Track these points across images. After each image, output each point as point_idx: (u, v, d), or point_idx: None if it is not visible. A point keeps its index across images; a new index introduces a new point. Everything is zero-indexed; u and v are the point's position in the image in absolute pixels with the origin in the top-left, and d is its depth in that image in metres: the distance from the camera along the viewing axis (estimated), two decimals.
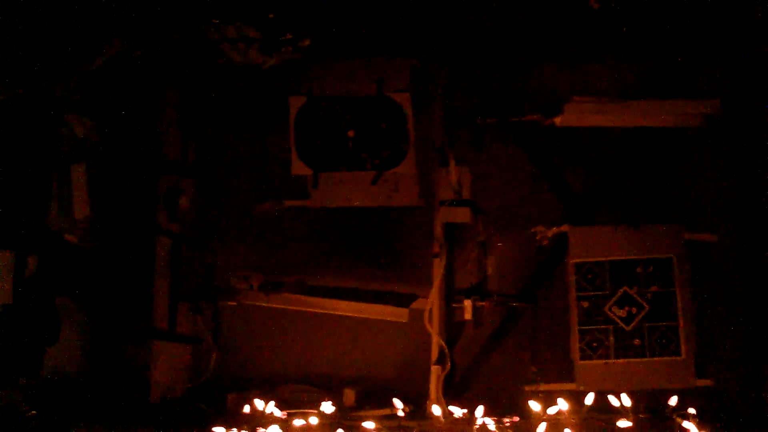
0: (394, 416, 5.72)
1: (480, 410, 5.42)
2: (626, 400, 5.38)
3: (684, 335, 5.96)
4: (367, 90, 6.49)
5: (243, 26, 5.54)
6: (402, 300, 6.55)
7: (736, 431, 5.47)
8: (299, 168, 6.59)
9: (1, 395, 5.47)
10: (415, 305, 6.48)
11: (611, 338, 6.03)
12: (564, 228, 6.22)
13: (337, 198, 6.59)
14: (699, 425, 5.23)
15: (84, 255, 6.03)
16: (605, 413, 5.39)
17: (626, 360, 6.00)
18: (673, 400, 5.38)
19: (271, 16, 5.49)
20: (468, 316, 6.10)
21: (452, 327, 6.29)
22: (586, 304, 6.10)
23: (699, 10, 6.21)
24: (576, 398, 5.57)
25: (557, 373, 6.11)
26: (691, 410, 5.31)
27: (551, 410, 5.39)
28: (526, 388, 6.03)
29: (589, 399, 5.43)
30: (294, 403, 6.30)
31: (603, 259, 6.14)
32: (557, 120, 6.19)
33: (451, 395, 6.00)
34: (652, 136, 6.45)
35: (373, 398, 6.43)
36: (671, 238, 6.13)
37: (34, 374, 5.65)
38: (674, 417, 5.31)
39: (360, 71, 6.51)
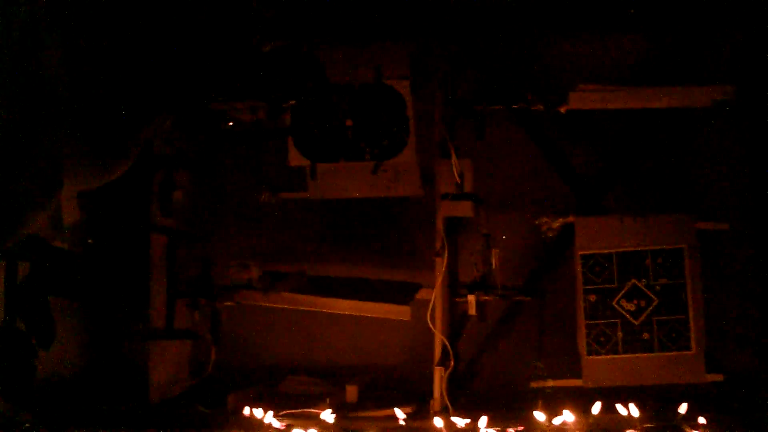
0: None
1: (483, 421, 5.27)
2: (634, 410, 5.22)
3: (694, 329, 5.79)
4: (365, 77, 6.28)
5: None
6: (405, 292, 6.41)
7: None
8: (297, 159, 6.41)
9: None
10: (419, 296, 6.34)
11: (619, 333, 5.86)
12: (570, 219, 6.03)
13: (336, 189, 6.42)
14: None
15: (76, 259, 5.88)
16: (612, 423, 5.23)
17: (635, 355, 5.83)
18: (683, 408, 5.22)
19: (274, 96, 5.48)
20: (472, 311, 5.94)
21: (456, 321, 6.15)
22: (593, 298, 5.92)
23: None
24: (583, 401, 5.42)
25: (564, 369, 5.96)
26: (702, 419, 5.14)
27: (556, 420, 5.24)
28: (532, 385, 5.89)
29: (596, 408, 5.28)
30: (297, 397, 6.22)
31: (611, 250, 5.95)
32: (562, 109, 5.96)
33: (455, 392, 5.88)
34: (662, 118, 6.22)
35: (378, 391, 6.34)
36: (682, 228, 5.92)
37: (26, 383, 5.54)
38: (684, 427, 5.15)
39: (358, 58, 6.30)
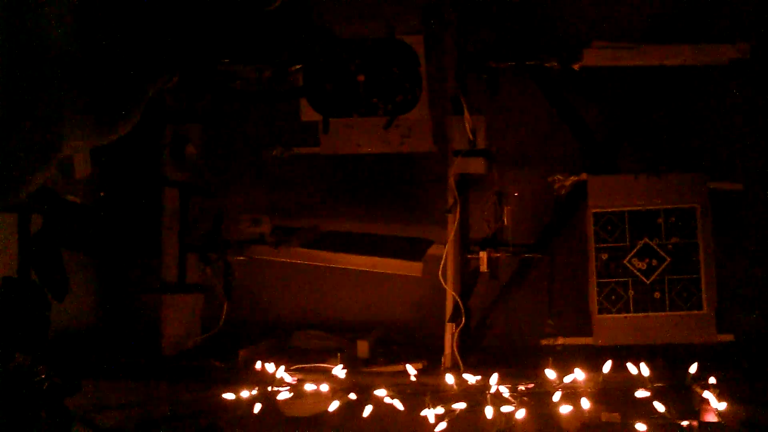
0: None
1: (495, 378, 5.29)
2: (645, 370, 5.22)
3: (706, 289, 5.78)
4: (377, 33, 6.24)
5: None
6: (417, 248, 6.41)
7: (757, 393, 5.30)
8: (309, 114, 6.39)
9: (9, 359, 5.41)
10: (430, 252, 6.35)
11: (631, 291, 5.85)
12: (583, 177, 5.99)
13: (348, 144, 6.39)
14: (719, 396, 5.08)
15: (88, 211, 5.88)
16: (622, 382, 5.24)
17: (646, 314, 5.82)
18: (693, 368, 5.22)
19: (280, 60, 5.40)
20: (483, 268, 5.94)
21: (467, 277, 6.14)
22: (605, 256, 5.91)
23: None
24: (594, 360, 5.42)
25: (574, 327, 5.97)
26: (712, 379, 5.15)
27: (567, 378, 5.25)
28: (543, 342, 5.91)
29: (607, 367, 5.28)
30: (308, 351, 6.25)
31: (623, 209, 5.93)
32: (576, 66, 5.92)
33: (466, 349, 5.89)
34: (677, 76, 6.18)
35: (389, 346, 6.37)
36: (694, 187, 5.87)
37: (40, 335, 5.57)
38: (694, 387, 5.16)
39: (370, 13, 6.24)
